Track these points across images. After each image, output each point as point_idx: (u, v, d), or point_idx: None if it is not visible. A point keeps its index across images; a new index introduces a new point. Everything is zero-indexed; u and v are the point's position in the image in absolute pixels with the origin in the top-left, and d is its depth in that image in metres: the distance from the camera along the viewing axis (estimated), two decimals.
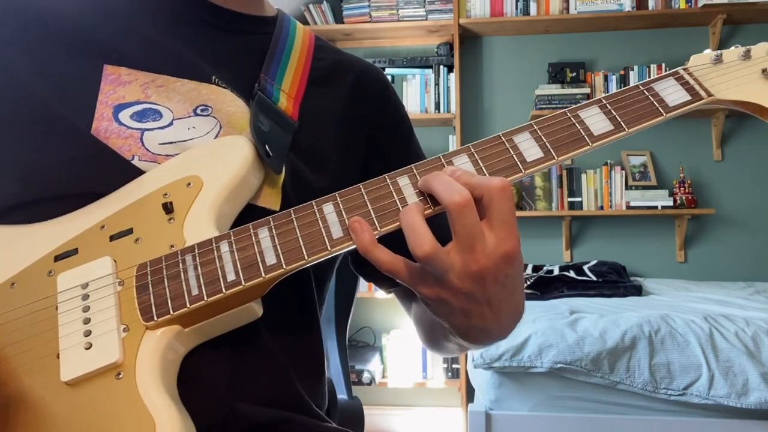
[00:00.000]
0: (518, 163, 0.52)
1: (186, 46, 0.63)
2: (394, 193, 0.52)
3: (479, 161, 0.52)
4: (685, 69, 0.58)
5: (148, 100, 0.59)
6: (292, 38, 0.71)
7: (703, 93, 0.56)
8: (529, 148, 0.53)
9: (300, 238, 0.51)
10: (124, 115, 0.58)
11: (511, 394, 1.74)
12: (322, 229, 0.51)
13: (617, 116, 0.54)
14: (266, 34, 0.69)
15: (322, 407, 0.68)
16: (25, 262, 0.53)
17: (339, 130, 0.70)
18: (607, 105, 0.55)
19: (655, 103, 0.55)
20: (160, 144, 0.58)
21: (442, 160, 0.53)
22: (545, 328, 1.74)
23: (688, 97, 0.56)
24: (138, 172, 0.57)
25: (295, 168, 0.63)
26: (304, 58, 0.71)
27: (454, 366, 2.90)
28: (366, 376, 2.84)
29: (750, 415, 1.64)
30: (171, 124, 0.59)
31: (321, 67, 0.72)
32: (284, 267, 0.50)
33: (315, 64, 0.71)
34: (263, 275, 0.49)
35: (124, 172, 0.56)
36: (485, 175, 0.51)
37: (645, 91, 0.56)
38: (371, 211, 0.51)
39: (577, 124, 0.54)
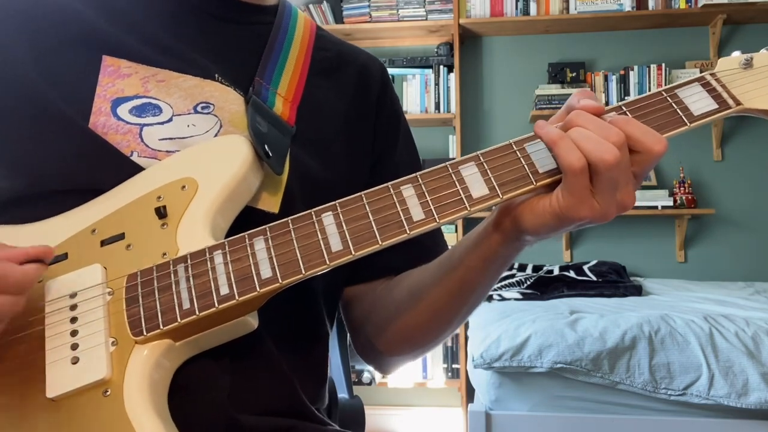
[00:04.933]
0: (530, 174, 0.50)
1: (189, 40, 0.62)
2: (397, 204, 0.50)
3: (488, 171, 0.50)
4: (712, 74, 0.53)
5: (148, 94, 0.58)
6: (292, 30, 0.69)
7: (731, 101, 0.52)
8: (543, 158, 0.50)
9: (297, 250, 0.49)
10: (123, 110, 0.57)
11: (511, 394, 1.74)
12: (321, 241, 0.49)
13: None
14: (269, 25, 0.68)
15: (322, 408, 0.68)
16: None
17: (344, 122, 0.69)
18: (627, 113, 0.51)
19: (678, 111, 0.51)
20: (159, 140, 0.57)
21: (449, 168, 0.51)
22: (545, 328, 1.74)
23: (715, 106, 0.51)
24: (137, 169, 0.55)
25: (299, 162, 0.61)
26: (305, 51, 0.69)
27: (454, 366, 2.90)
28: (366, 375, 2.84)
29: (750, 415, 1.63)
30: (170, 120, 0.58)
31: (323, 58, 0.71)
32: (280, 281, 0.48)
33: (316, 55, 0.70)
34: (258, 289, 0.48)
35: (124, 168, 0.55)
36: (494, 185, 0.50)
37: (668, 98, 0.52)
38: (373, 222, 0.49)
39: None
